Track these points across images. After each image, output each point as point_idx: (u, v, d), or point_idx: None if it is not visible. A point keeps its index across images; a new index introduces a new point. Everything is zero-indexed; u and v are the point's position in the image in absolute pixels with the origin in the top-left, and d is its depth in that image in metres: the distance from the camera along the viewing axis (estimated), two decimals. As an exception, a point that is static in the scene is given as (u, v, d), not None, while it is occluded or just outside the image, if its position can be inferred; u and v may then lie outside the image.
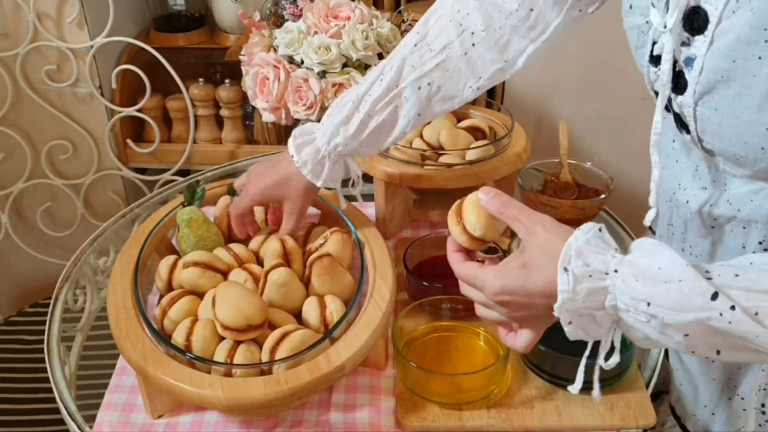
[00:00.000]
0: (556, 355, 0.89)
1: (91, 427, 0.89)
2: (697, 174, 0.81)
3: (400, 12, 1.28)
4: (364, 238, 1.03)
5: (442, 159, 1.14)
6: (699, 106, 0.69)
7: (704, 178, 0.80)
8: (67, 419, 0.90)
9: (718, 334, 0.62)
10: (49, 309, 1.06)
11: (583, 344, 0.77)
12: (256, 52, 1.21)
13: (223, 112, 1.85)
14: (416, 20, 1.36)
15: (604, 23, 1.58)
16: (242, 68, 1.25)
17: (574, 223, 1.26)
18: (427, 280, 1.02)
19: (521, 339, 0.75)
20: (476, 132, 1.21)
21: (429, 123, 1.22)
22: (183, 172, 1.86)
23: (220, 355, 0.84)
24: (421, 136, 1.20)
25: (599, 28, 1.59)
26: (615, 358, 0.71)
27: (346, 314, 0.89)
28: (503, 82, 1.73)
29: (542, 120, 1.72)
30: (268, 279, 0.91)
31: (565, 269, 0.66)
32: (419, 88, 0.92)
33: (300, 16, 1.23)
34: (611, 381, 0.90)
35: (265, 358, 0.84)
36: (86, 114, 1.84)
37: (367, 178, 1.22)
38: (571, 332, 0.69)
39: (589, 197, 1.22)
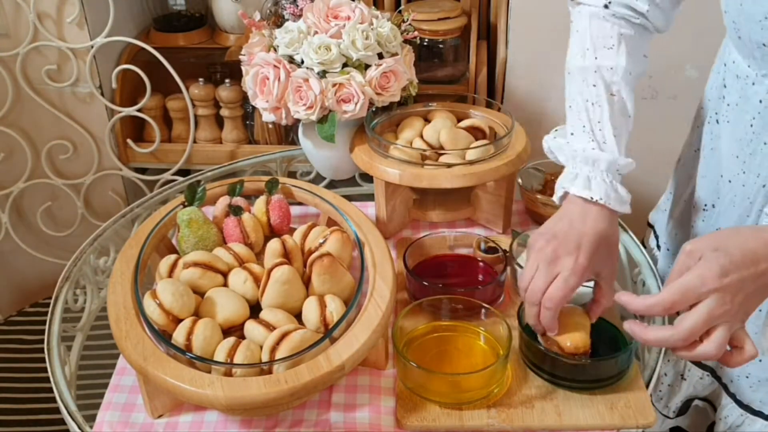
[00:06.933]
0: (556, 355, 0.89)
1: (91, 427, 0.89)
2: None
3: (400, 12, 1.28)
4: (364, 238, 1.03)
5: (442, 159, 1.14)
6: None
7: None
8: (67, 419, 0.90)
9: None
10: (49, 309, 1.06)
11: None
12: (256, 51, 1.21)
13: (224, 112, 1.85)
14: (416, 20, 1.36)
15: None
16: (242, 68, 1.25)
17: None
18: (427, 280, 1.02)
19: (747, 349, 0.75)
20: (476, 132, 1.21)
21: (430, 123, 1.22)
22: (183, 172, 1.86)
23: (220, 354, 0.84)
24: (421, 136, 1.20)
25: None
26: None
27: (346, 314, 0.89)
28: (503, 83, 1.73)
29: (542, 120, 1.71)
30: (271, 276, 0.91)
31: None
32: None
33: (300, 16, 1.22)
34: (611, 381, 0.90)
35: (265, 357, 0.84)
36: (86, 114, 1.84)
37: (367, 178, 1.22)
38: None
39: (589, 197, 1.21)
